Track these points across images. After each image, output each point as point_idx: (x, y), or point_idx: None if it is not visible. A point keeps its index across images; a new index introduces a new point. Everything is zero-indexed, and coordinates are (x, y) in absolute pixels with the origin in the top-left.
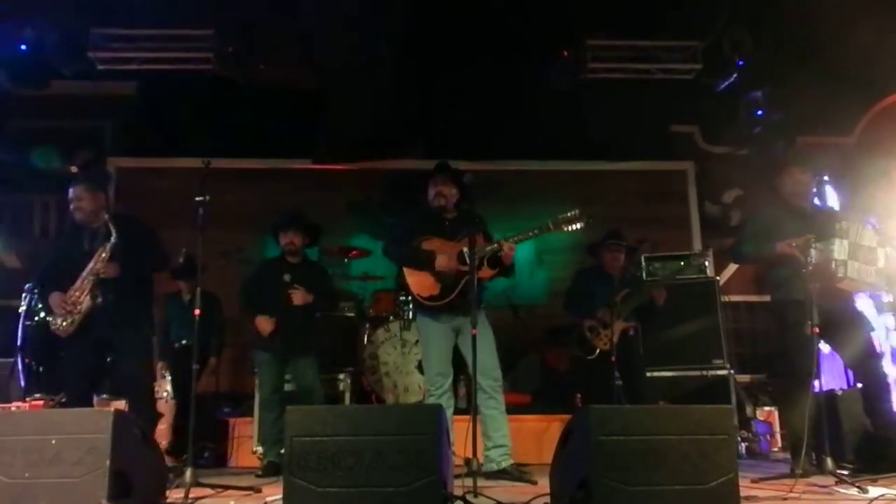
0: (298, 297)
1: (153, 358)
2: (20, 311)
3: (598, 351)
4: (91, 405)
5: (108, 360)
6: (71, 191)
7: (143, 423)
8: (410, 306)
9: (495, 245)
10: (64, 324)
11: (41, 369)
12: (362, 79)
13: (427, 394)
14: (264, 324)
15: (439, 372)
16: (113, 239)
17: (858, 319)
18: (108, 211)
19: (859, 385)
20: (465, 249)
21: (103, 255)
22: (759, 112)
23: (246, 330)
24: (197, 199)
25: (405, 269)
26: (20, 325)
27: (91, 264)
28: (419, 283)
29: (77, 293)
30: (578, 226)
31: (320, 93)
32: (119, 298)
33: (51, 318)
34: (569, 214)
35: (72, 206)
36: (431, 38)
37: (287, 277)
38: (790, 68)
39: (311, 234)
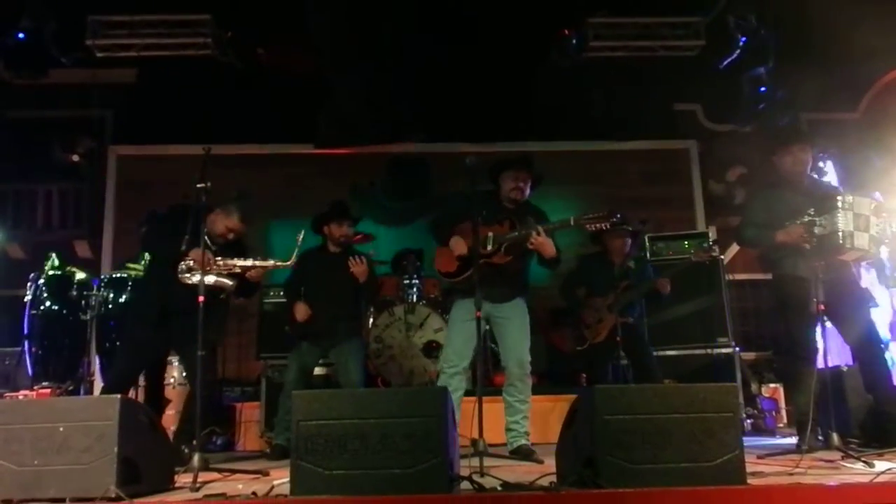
0: (359, 267)
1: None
2: (26, 300)
3: (587, 343)
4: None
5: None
6: (237, 222)
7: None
8: (414, 290)
9: (517, 233)
10: (189, 276)
11: (49, 356)
12: (362, 62)
13: (440, 371)
14: (301, 311)
15: (455, 352)
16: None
17: (860, 296)
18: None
19: (859, 364)
20: (490, 234)
21: (266, 264)
22: (763, 89)
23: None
24: (198, 185)
25: (438, 246)
26: (26, 314)
27: (253, 262)
28: (442, 258)
29: (221, 265)
30: (603, 226)
31: (320, 77)
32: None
33: (182, 264)
34: (593, 214)
35: (223, 233)
36: (431, 19)
37: (371, 253)
38: (794, 44)
39: (355, 225)
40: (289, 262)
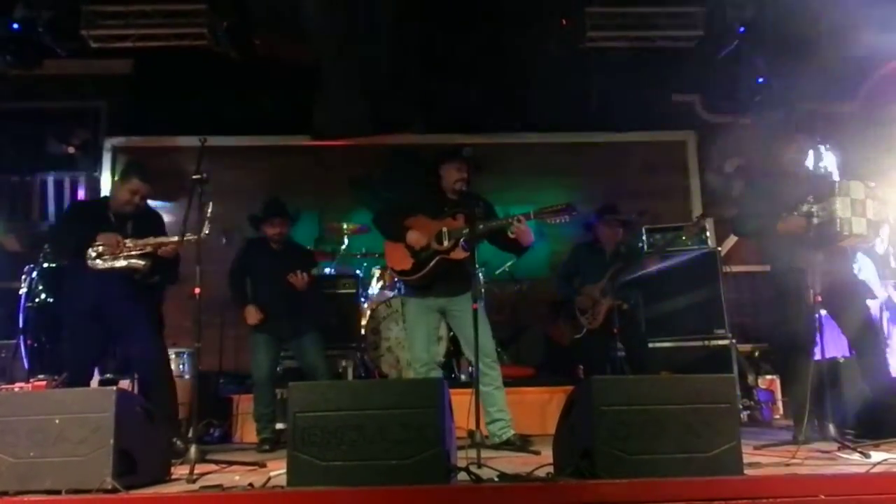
0: (299, 281)
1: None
2: (21, 292)
3: (584, 329)
4: (89, 384)
5: (112, 341)
6: (141, 185)
7: (165, 398)
8: None
9: (493, 223)
10: (100, 262)
11: (45, 349)
12: (359, 52)
13: (415, 371)
14: (252, 315)
15: (423, 349)
16: (205, 234)
17: (857, 288)
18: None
19: (857, 355)
20: (445, 229)
21: (183, 238)
22: (760, 79)
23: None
24: (194, 177)
25: (386, 242)
26: (21, 307)
27: (164, 238)
28: (394, 255)
29: (131, 246)
30: (564, 219)
31: (317, 68)
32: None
33: (91, 250)
34: (552, 207)
35: (131, 199)
36: (428, 10)
37: (316, 271)
38: (792, 35)
39: (293, 219)
40: (200, 236)
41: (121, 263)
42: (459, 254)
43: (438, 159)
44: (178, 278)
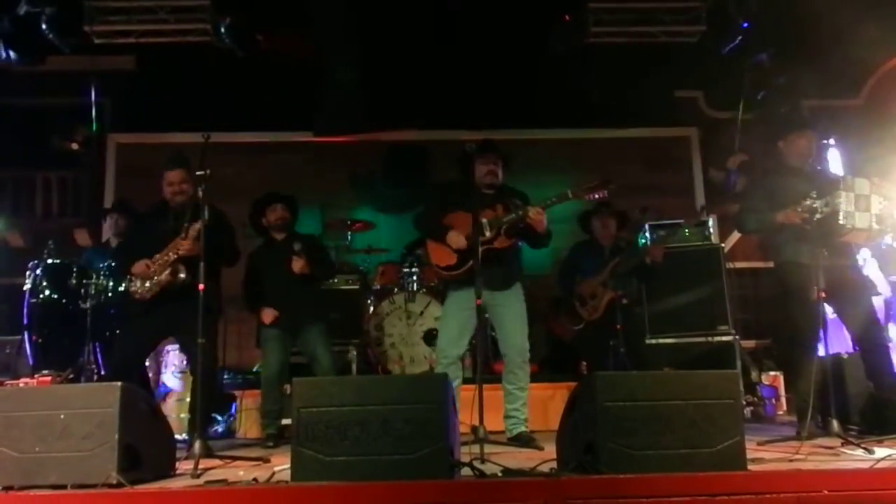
0: (297, 264)
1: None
2: (25, 288)
3: (584, 322)
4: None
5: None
6: (172, 174)
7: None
8: (415, 278)
9: (514, 214)
10: (142, 289)
11: (49, 344)
12: (361, 48)
13: (435, 363)
14: (267, 315)
15: (451, 342)
16: (204, 220)
17: (861, 283)
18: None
19: (861, 351)
20: (484, 220)
21: (191, 233)
22: (765, 75)
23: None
24: (198, 173)
25: (427, 241)
26: (26, 303)
27: (178, 241)
28: (438, 253)
29: (160, 263)
30: (601, 194)
31: (319, 64)
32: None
33: (132, 282)
34: (588, 184)
35: (172, 190)
36: (430, 4)
37: (297, 247)
38: (796, 30)
39: (294, 207)
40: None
41: (158, 281)
42: (503, 242)
43: (467, 157)
44: (236, 259)
